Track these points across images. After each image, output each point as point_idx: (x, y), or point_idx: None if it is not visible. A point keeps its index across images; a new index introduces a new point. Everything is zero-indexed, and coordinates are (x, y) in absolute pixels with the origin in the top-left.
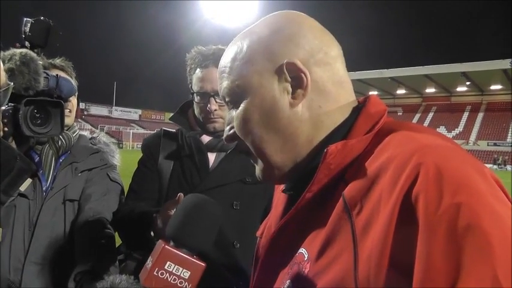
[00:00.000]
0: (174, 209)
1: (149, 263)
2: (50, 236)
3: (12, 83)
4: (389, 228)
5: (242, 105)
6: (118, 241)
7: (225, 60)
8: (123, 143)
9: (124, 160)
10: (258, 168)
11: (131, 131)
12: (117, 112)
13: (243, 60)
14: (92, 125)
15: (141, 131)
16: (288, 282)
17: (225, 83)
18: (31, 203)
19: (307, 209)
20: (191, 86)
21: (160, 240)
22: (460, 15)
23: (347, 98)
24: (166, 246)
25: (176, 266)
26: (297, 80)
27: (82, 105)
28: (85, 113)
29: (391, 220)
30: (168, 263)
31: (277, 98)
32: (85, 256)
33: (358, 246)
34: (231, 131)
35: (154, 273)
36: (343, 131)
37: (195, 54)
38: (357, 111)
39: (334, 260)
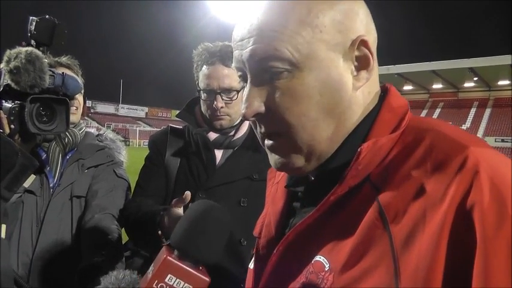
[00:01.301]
0: (181, 208)
1: (150, 272)
2: (57, 232)
3: (3, 67)
4: (440, 242)
5: (298, 79)
6: (125, 237)
7: (274, 15)
8: (130, 140)
9: (131, 157)
10: (291, 158)
11: (138, 129)
12: (124, 110)
13: (310, 24)
14: (98, 123)
15: (148, 128)
16: None
17: (274, 44)
18: (38, 200)
19: (326, 212)
20: (198, 83)
21: (164, 248)
22: (466, 10)
23: (378, 86)
24: (168, 257)
25: (177, 280)
26: (362, 61)
27: (88, 103)
28: (91, 111)
29: (441, 232)
30: (169, 275)
31: (342, 76)
32: (91, 252)
33: (399, 259)
34: (258, 107)
35: (154, 285)
36: (366, 125)
37: (202, 51)
38: (379, 102)
39: (368, 273)
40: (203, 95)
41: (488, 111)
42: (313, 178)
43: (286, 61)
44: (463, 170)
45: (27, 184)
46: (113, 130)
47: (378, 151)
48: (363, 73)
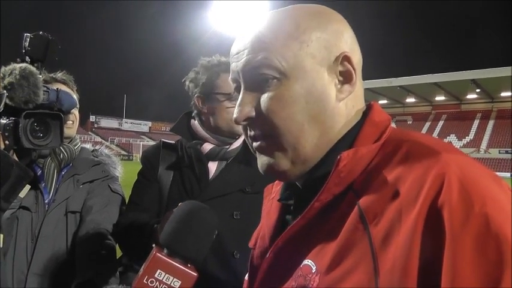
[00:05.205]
0: None
1: (141, 270)
2: (52, 248)
3: (5, 92)
4: (414, 240)
5: (285, 86)
6: (119, 253)
7: (266, 30)
8: (133, 155)
9: (133, 172)
10: (277, 159)
11: (141, 143)
12: (127, 124)
13: (298, 38)
14: (102, 138)
15: (151, 142)
16: None
17: (265, 54)
18: (33, 216)
19: (313, 219)
20: (213, 93)
21: (154, 247)
22: (468, 22)
23: (362, 103)
24: (157, 254)
25: (167, 275)
26: (345, 75)
27: (92, 118)
28: (95, 125)
29: (414, 231)
30: (159, 271)
31: (326, 87)
32: (85, 267)
33: (377, 258)
34: (249, 112)
35: (144, 281)
36: (350, 138)
37: (217, 62)
38: (362, 118)
39: (349, 273)
40: (230, 103)
41: (491, 123)
42: (301, 188)
43: (275, 69)
44: (435, 173)
45: (22, 194)
46: (117, 145)
47: (359, 160)
48: (346, 86)
